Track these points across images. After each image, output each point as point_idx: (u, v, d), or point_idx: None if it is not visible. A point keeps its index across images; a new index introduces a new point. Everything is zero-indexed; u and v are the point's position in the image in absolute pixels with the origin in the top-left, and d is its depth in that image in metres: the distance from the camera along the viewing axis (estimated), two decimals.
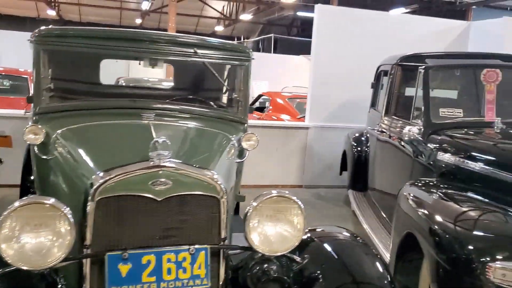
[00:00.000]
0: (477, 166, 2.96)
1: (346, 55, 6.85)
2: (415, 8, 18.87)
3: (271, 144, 6.87)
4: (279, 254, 1.91)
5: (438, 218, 2.48)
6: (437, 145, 3.38)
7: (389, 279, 1.99)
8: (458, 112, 3.71)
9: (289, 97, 9.10)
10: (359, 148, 5.54)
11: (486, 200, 2.66)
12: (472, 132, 3.49)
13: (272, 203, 1.91)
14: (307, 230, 2.25)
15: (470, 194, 2.79)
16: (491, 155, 2.99)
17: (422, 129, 3.59)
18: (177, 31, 27.24)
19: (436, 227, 2.42)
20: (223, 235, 1.91)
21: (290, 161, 6.99)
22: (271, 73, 18.38)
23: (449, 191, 2.90)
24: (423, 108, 3.68)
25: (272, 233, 1.91)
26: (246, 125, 3.17)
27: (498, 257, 2.06)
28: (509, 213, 2.45)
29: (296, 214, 1.93)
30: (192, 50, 2.88)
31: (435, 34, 7.25)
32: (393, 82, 4.52)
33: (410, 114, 3.94)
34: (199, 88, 3.76)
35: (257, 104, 9.76)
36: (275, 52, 22.63)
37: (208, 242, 1.87)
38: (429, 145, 3.47)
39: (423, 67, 3.77)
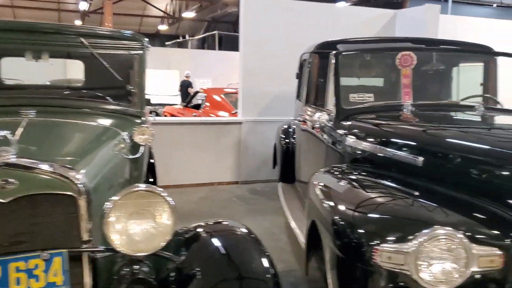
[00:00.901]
0: (384, 150, 2.90)
1: (275, 47, 6.77)
2: (355, 2, 19.14)
3: (205, 141, 6.72)
4: (145, 254, 1.76)
5: (336, 204, 2.39)
6: (346, 131, 3.32)
7: (273, 274, 1.90)
8: (368, 97, 3.67)
9: (225, 93, 8.96)
10: (287, 140, 5.47)
11: (393, 184, 2.60)
12: (381, 116, 3.45)
13: (137, 198, 1.75)
14: (195, 225, 2.13)
15: (377, 179, 2.72)
16: (397, 138, 2.95)
17: (333, 116, 3.53)
18: None
19: (332, 213, 2.33)
20: (85, 237, 1.74)
21: (225, 158, 6.87)
22: (216, 70, 18.25)
23: (356, 177, 2.83)
24: (334, 94, 3.61)
25: (137, 232, 1.75)
26: (143, 118, 2.99)
27: (384, 239, 1.98)
28: (414, 196, 2.39)
29: (164, 210, 1.78)
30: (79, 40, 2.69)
31: (364, 24, 7.29)
32: (311, 71, 4.46)
33: (324, 101, 3.89)
34: (100, 82, 3.55)
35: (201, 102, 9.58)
36: (220, 49, 22.48)
37: (67, 246, 1.70)
38: (339, 131, 3.41)
39: (333, 53, 3.71)
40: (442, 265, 1.93)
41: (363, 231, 2.08)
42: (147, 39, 3.01)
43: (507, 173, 2.21)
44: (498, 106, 3.86)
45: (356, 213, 2.21)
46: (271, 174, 6.68)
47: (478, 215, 2.13)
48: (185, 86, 14.95)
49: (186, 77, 16.54)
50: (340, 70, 3.61)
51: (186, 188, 6.57)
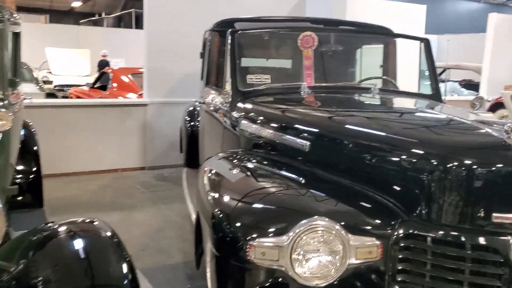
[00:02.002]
0: (276, 134, 2.75)
1: (181, 24, 6.44)
2: None
3: (107, 125, 6.31)
4: None
5: (218, 195, 2.20)
6: (242, 114, 3.15)
7: (130, 279, 1.68)
8: (266, 79, 3.52)
9: (134, 72, 8.50)
10: (191, 123, 5.23)
11: (283, 172, 2.45)
12: (279, 99, 3.31)
13: None
14: (48, 226, 1.86)
15: (268, 167, 2.56)
16: (289, 122, 2.81)
17: (230, 98, 3.34)
18: (28, 8, 24.82)
19: (213, 205, 2.14)
20: None
21: (130, 142, 6.50)
22: (132, 50, 17.47)
23: (247, 164, 2.66)
24: (230, 75, 3.42)
25: None
26: (6, 102, 2.62)
27: (259, 234, 1.83)
28: (300, 185, 2.26)
29: None
30: None
31: (274, 3, 7.14)
32: (211, 50, 4.23)
33: (223, 82, 3.69)
34: None
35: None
36: (137, 27, 21.61)
37: None
38: (234, 114, 3.23)
39: (230, 31, 3.50)
40: (318, 258, 1.82)
41: (238, 225, 1.91)
42: (7, 10, 2.62)
43: (392, 159, 2.12)
44: (395, 89, 3.86)
45: (236, 206, 2.04)
46: (179, 158, 6.42)
47: (361, 204, 2.04)
48: (102, 66, 14.19)
49: (103, 56, 15.73)
50: (236, 49, 3.41)
51: (86, 176, 6.15)
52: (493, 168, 1.83)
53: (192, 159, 5.19)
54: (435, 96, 3.51)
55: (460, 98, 10.20)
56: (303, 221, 1.81)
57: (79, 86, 11.18)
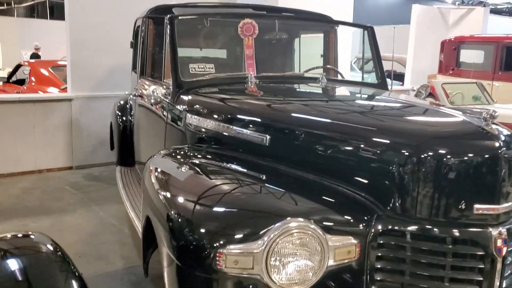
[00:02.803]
0: (228, 128, 2.54)
1: (107, 14, 6.02)
2: None
3: (25, 122, 5.77)
4: None
5: (172, 197, 1.97)
6: (186, 107, 2.91)
7: None
8: (210, 68, 3.29)
9: (54, 65, 7.90)
10: (124, 118, 4.87)
11: (239, 168, 2.25)
12: (224, 90, 3.11)
13: None
14: None
15: (222, 163, 2.35)
16: (242, 115, 2.61)
17: (171, 89, 3.08)
18: None
19: (168, 208, 1.91)
20: None
21: (54, 140, 6.00)
22: (48, 42, 16.40)
23: (198, 161, 2.44)
24: (171, 64, 3.16)
25: None
26: None
27: (229, 240, 1.63)
28: (262, 182, 2.08)
29: None
30: None
31: None
32: (146, 39, 3.93)
33: (162, 73, 3.42)
34: None
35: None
36: (52, 18, 20.36)
37: None
38: (178, 106, 2.98)
39: (168, 17, 3.23)
40: (296, 263, 1.65)
41: (203, 231, 1.70)
42: None
43: (362, 150, 1.98)
44: (339, 77, 3.78)
45: (196, 208, 1.82)
46: (110, 156, 6.00)
47: (333, 201, 1.90)
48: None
49: (36, 49, 14.63)
50: (176, 37, 3.15)
51: (6, 179, 5.60)
52: (472, 158, 1.75)
53: (126, 157, 4.85)
54: (382, 85, 3.46)
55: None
56: (277, 224, 1.64)
57: None
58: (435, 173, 1.77)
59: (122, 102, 5.05)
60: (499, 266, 1.73)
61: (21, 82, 8.26)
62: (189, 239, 1.70)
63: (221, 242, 1.63)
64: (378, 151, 1.92)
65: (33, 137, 5.82)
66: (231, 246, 1.61)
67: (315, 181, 2.04)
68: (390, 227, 1.79)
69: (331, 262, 1.69)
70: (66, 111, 6.03)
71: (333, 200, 1.90)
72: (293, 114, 2.45)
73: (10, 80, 8.72)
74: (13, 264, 1.52)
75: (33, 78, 7.80)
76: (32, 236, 1.74)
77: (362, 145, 1.98)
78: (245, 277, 1.64)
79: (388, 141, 1.92)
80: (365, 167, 1.95)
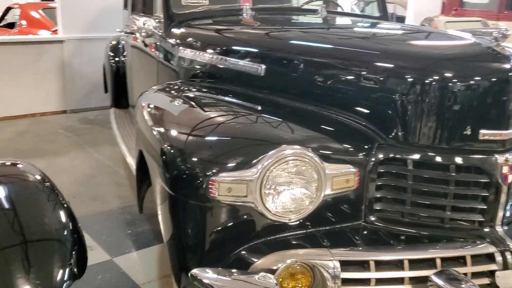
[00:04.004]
0: (223, 59, 2.41)
1: None
2: None
3: (15, 65, 5.61)
4: None
5: (165, 129, 1.86)
6: (178, 40, 2.77)
7: (71, 229, 1.37)
8: (203, 0, 3.12)
9: (45, 7, 7.62)
10: (116, 59, 4.72)
11: (234, 100, 2.15)
12: (219, 22, 2.95)
13: None
14: None
15: (217, 95, 2.25)
16: (238, 46, 2.47)
17: (163, 22, 2.92)
18: None
19: (161, 140, 1.81)
20: None
21: (47, 84, 5.86)
22: None
23: (192, 95, 2.32)
24: None
25: None
26: None
27: (223, 168, 1.55)
28: (257, 112, 1.97)
29: None
30: None
31: None
32: None
33: (153, 7, 3.26)
34: None
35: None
36: None
37: None
38: (170, 40, 2.84)
39: None
40: (291, 191, 1.58)
41: (196, 160, 1.62)
42: None
43: (363, 76, 1.85)
44: (339, 9, 3.61)
45: (189, 139, 1.73)
46: (105, 100, 5.88)
47: (332, 129, 1.81)
48: None
49: None
50: None
51: None
52: (479, 80, 1.64)
53: (120, 99, 4.74)
54: (384, 18, 3.30)
55: None
56: (272, 152, 1.55)
57: None
58: (439, 98, 1.66)
59: (114, 42, 4.88)
60: (503, 195, 1.66)
61: (11, 25, 8.00)
62: (182, 169, 1.62)
63: (214, 170, 1.55)
64: (380, 76, 1.81)
65: (24, 80, 5.68)
66: (224, 174, 1.53)
67: (313, 111, 1.94)
68: (391, 155, 1.71)
69: (328, 191, 1.62)
70: (58, 53, 5.86)
71: (332, 129, 1.81)
72: (290, 42, 2.32)
73: (0, 24, 8.45)
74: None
75: (23, 22, 7.54)
76: (19, 165, 1.66)
77: (362, 71, 1.86)
78: (238, 205, 1.57)
79: (389, 65, 1.81)
80: (366, 94, 1.85)
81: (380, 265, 1.57)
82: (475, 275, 1.62)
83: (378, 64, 1.83)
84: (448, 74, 1.66)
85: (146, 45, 3.38)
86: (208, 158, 1.60)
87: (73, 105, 6.03)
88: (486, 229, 1.69)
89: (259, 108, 2.02)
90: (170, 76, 2.92)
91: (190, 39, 2.74)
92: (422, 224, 1.72)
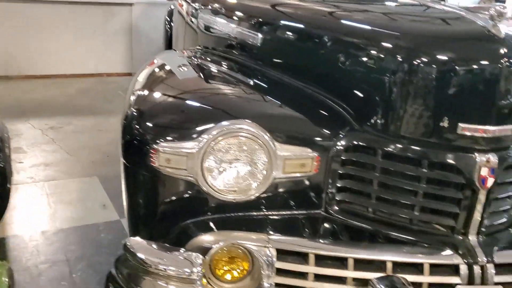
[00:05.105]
0: (232, 26, 2.30)
1: None
2: None
3: (86, 25, 5.86)
4: None
5: (138, 94, 1.79)
6: (201, 5, 2.71)
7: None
8: None
9: None
10: (170, 24, 4.76)
11: (223, 70, 2.05)
12: None
13: None
14: None
15: (210, 64, 2.16)
16: (243, 11, 2.34)
17: None
18: None
19: (129, 105, 1.75)
20: None
21: (115, 45, 6.08)
22: None
23: (184, 61, 2.25)
24: None
25: None
26: None
27: (164, 137, 1.48)
28: (234, 84, 1.87)
29: None
30: None
31: None
32: None
33: None
34: None
35: None
36: None
37: None
38: (194, 4, 2.79)
39: None
40: (236, 169, 1.48)
41: (146, 126, 1.55)
42: None
43: (348, 54, 1.68)
44: None
45: (146, 104, 1.66)
46: None
47: (305, 109, 1.66)
48: None
49: None
50: None
51: (68, 79, 5.83)
52: (466, 65, 1.41)
53: None
54: None
55: None
56: (217, 124, 1.45)
57: None
58: (417, 81, 1.45)
59: (171, 7, 4.92)
60: (482, 198, 1.44)
61: None
62: (133, 134, 1.57)
63: (158, 139, 1.48)
64: (355, 54, 1.63)
65: (94, 40, 5.93)
66: (165, 144, 1.47)
67: (296, 87, 1.80)
68: (359, 142, 1.54)
69: (279, 174, 1.49)
70: (127, 16, 6.03)
71: (305, 108, 1.65)
72: (280, 12, 2.15)
73: None
74: None
75: None
76: None
77: (349, 48, 1.68)
78: (180, 178, 1.49)
79: (365, 42, 1.61)
80: (351, 73, 1.67)
81: (322, 260, 1.43)
82: (434, 286, 1.43)
83: (354, 40, 1.65)
84: (430, 55, 1.44)
85: (180, 8, 3.37)
86: (155, 125, 1.54)
87: (139, 68, 6.20)
88: (458, 237, 1.48)
89: (238, 79, 1.92)
90: (193, 41, 2.88)
91: (209, 5, 2.66)
92: (388, 223, 1.55)
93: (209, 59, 2.21)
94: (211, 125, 1.45)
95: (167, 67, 2.13)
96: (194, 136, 1.46)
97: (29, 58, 5.59)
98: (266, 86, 1.86)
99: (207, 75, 2.00)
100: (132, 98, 1.78)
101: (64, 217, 2.89)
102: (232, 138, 1.45)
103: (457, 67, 1.41)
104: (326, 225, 1.57)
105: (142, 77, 2.05)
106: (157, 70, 2.15)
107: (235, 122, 1.46)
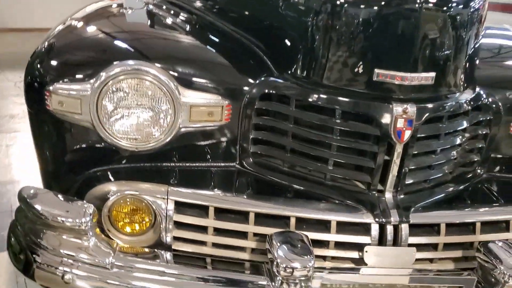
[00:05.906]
0: None
1: None
2: None
3: None
4: None
5: (54, 35, 1.63)
6: None
7: None
8: None
9: None
10: None
11: (168, 16, 1.87)
12: None
13: None
14: None
15: (161, 10, 1.98)
16: None
17: None
18: None
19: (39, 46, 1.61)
20: None
21: None
22: None
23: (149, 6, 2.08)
24: None
25: None
26: None
27: (58, 77, 1.35)
28: (160, 27, 1.73)
29: None
30: None
31: None
32: None
33: None
34: None
35: None
36: None
37: None
38: None
39: None
40: (136, 116, 1.37)
41: (44, 65, 1.42)
42: None
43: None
44: None
45: (51, 44, 1.51)
46: None
47: (223, 54, 1.52)
48: None
49: None
50: None
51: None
52: (389, 5, 1.26)
53: None
54: None
55: None
56: (112, 65, 1.32)
57: None
58: (331, 22, 1.31)
59: None
60: (397, 154, 1.32)
61: None
62: (33, 75, 1.44)
63: (51, 80, 1.37)
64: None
65: None
66: (58, 85, 1.35)
67: (229, 33, 1.65)
68: (272, 91, 1.41)
69: (185, 123, 1.38)
70: None
71: (227, 54, 1.52)
72: None
73: None
74: None
75: None
76: None
77: None
78: (77, 124, 1.39)
79: None
80: (275, 19, 1.53)
81: (222, 213, 1.34)
82: (341, 245, 1.33)
83: None
84: None
85: None
86: (55, 65, 1.41)
87: None
88: (373, 194, 1.37)
89: (178, 24, 1.78)
90: None
91: None
92: (304, 177, 1.44)
93: (164, 6, 2.04)
94: (114, 63, 1.33)
95: (114, 6, 1.97)
96: (92, 76, 1.34)
97: (14, 10, 5.45)
98: (201, 32, 1.71)
99: (148, 19, 1.84)
100: (50, 33, 1.66)
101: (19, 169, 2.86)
102: (134, 79, 1.33)
103: (373, 7, 1.26)
104: (239, 179, 1.47)
105: (80, 13, 1.90)
106: (98, 8, 1.98)
107: (135, 65, 1.34)
